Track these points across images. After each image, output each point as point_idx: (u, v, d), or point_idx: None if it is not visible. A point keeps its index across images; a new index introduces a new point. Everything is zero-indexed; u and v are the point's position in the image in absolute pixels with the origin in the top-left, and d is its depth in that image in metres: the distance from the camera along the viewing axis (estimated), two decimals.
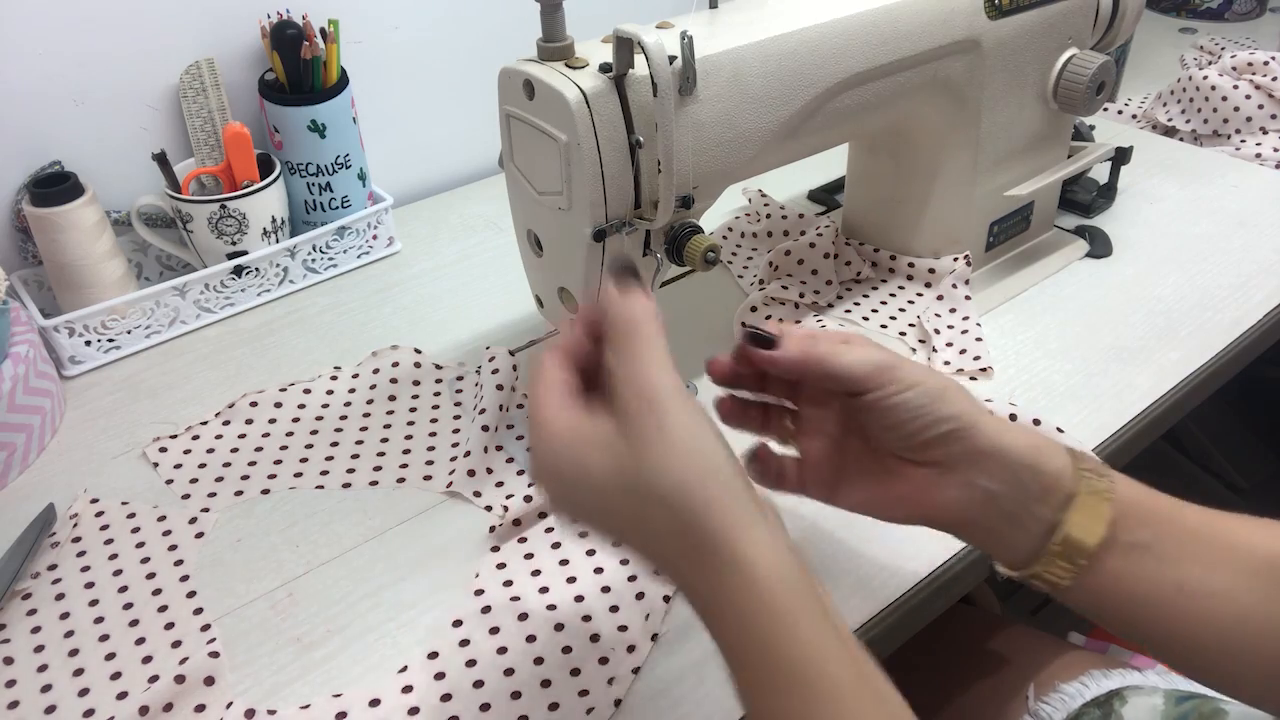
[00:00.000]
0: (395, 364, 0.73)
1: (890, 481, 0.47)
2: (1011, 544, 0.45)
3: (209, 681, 0.50)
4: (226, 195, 0.78)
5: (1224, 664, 0.45)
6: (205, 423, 0.68)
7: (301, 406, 0.70)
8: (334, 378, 0.72)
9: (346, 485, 0.63)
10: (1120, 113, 1.11)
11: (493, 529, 0.58)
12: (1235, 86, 1.00)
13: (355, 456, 0.65)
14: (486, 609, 0.54)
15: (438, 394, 0.71)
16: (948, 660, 0.68)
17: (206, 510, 0.61)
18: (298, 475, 0.64)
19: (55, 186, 0.72)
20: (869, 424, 0.46)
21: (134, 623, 0.54)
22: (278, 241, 0.83)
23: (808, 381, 0.47)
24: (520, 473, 0.63)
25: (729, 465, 0.39)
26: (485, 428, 0.64)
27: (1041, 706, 0.64)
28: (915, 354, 0.72)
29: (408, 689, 0.50)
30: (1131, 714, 0.60)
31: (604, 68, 0.52)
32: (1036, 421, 0.61)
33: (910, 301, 0.77)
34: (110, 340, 0.76)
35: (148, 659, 0.51)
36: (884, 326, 0.75)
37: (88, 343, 0.74)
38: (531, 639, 0.52)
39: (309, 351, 0.77)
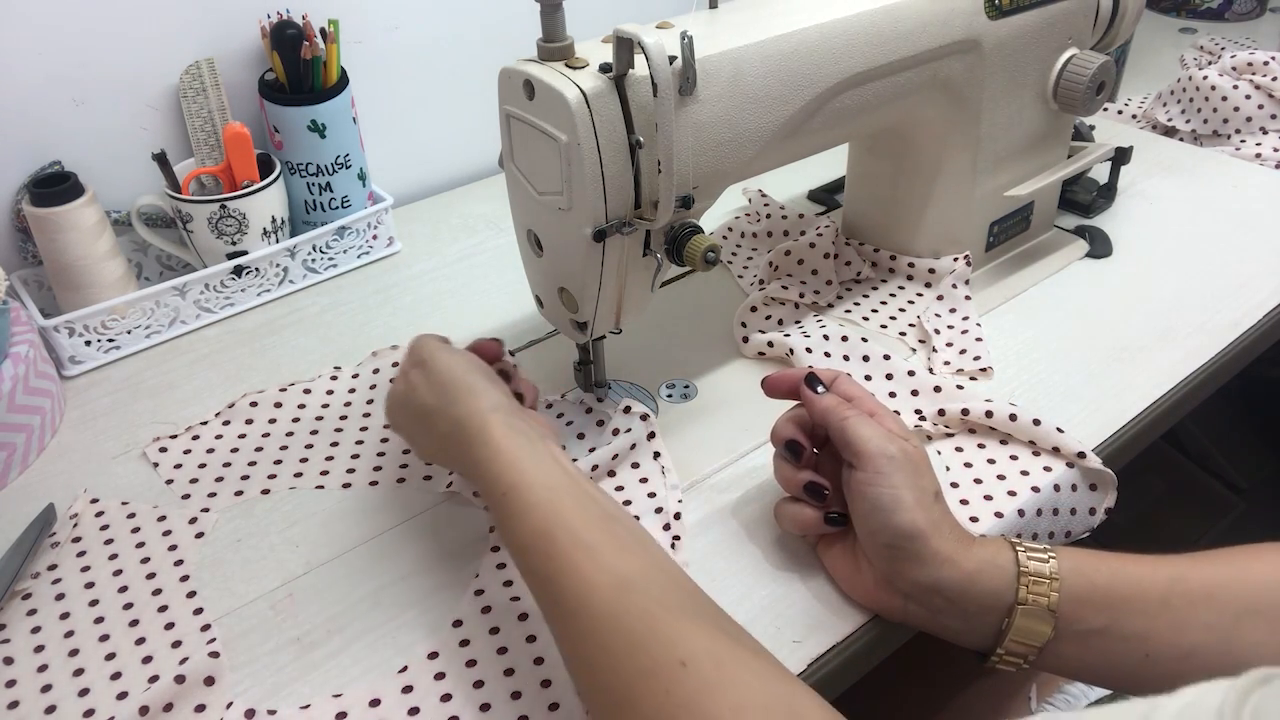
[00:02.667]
0: (395, 364, 0.73)
1: (857, 564, 0.52)
2: (963, 641, 0.50)
3: (209, 681, 0.50)
4: (226, 195, 0.78)
5: None
6: (205, 423, 0.68)
7: (301, 406, 0.70)
8: (334, 378, 0.72)
9: (346, 485, 0.63)
10: (1120, 113, 1.11)
11: (493, 529, 0.58)
12: (1235, 86, 1.00)
13: (355, 456, 0.65)
14: (486, 609, 0.54)
15: None
16: (949, 661, 0.69)
17: (206, 510, 0.61)
18: (298, 475, 0.64)
19: (55, 186, 0.72)
20: (849, 501, 0.51)
21: (134, 623, 0.54)
22: (278, 241, 0.83)
23: (830, 435, 0.53)
24: None
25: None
26: None
27: (1046, 707, 0.64)
28: (915, 354, 0.72)
29: (408, 689, 0.50)
30: None
31: (604, 68, 0.52)
32: (1036, 422, 0.61)
33: (910, 301, 0.77)
34: (110, 340, 0.76)
35: (148, 659, 0.51)
36: (884, 327, 0.75)
37: (88, 343, 0.74)
38: (531, 639, 0.52)
39: (309, 351, 0.77)
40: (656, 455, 0.62)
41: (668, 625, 0.41)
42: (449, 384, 0.53)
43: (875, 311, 0.77)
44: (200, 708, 0.49)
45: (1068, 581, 0.47)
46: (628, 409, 0.64)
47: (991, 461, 0.62)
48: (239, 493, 0.63)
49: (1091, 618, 0.46)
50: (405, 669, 0.51)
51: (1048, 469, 0.61)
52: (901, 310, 0.77)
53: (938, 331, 0.72)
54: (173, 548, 0.58)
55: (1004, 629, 0.47)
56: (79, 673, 0.51)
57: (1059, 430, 0.61)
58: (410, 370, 0.56)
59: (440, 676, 0.50)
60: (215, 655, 0.51)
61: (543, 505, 0.46)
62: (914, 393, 0.67)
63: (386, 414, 0.60)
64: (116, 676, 0.51)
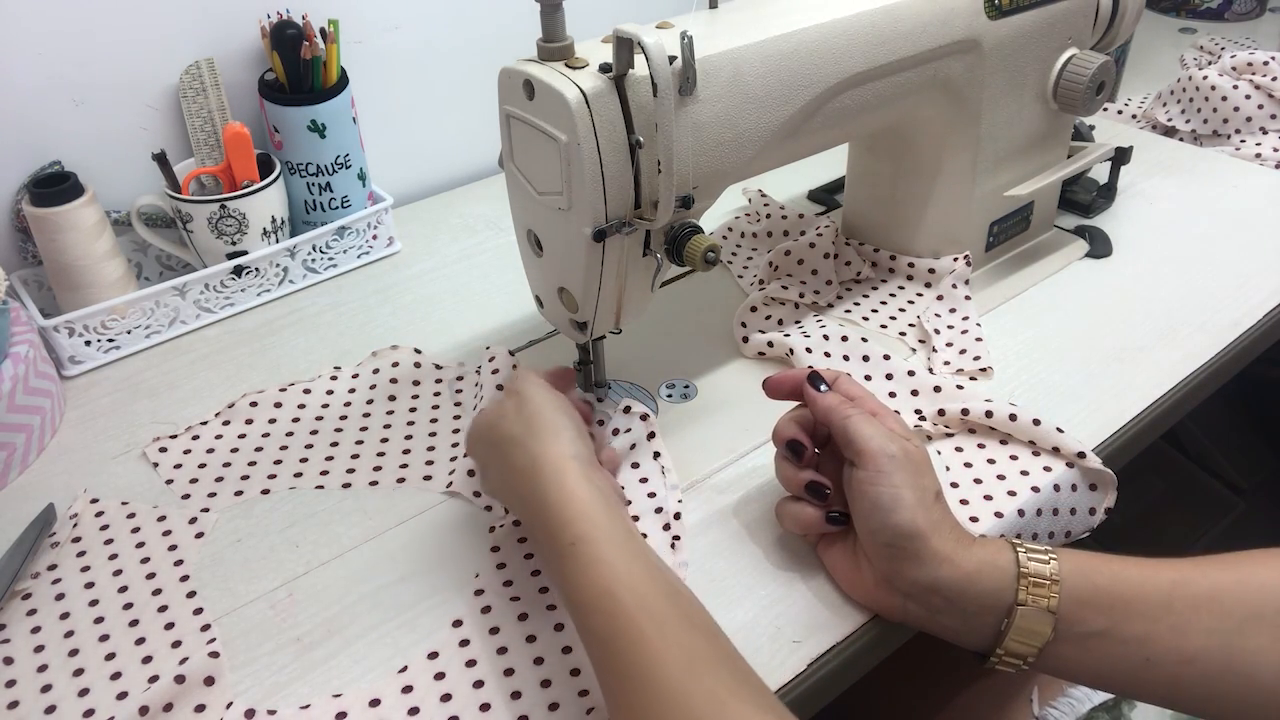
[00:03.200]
0: (395, 364, 0.73)
1: (857, 564, 0.52)
2: (962, 641, 0.50)
3: (209, 681, 0.50)
4: (226, 195, 0.78)
5: (1217, 710, 0.47)
6: (205, 423, 0.68)
7: (301, 406, 0.70)
8: (334, 378, 0.72)
9: (346, 485, 0.63)
10: (1120, 113, 1.11)
11: (493, 529, 0.58)
12: (1235, 86, 1.00)
13: (355, 456, 0.65)
14: (486, 609, 0.54)
15: (438, 394, 0.71)
16: (949, 662, 0.69)
17: (206, 510, 0.61)
18: (298, 475, 0.64)
19: (55, 186, 0.72)
20: (850, 500, 0.51)
21: (134, 623, 0.54)
22: (278, 241, 0.83)
23: (832, 434, 0.53)
24: None
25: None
26: None
27: (1049, 711, 0.64)
28: (915, 354, 0.72)
29: (408, 689, 0.50)
30: (1140, 718, 0.60)
31: (604, 68, 0.52)
32: (1036, 421, 0.61)
33: (910, 301, 0.77)
34: (110, 340, 0.76)
35: (148, 659, 0.51)
36: (884, 326, 0.75)
37: (88, 343, 0.74)
38: (531, 639, 0.52)
39: (309, 351, 0.77)
40: (656, 455, 0.62)
41: (737, 715, 0.40)
42: (538, 420, 0.52)
43: (875, 311, 0.77)
44: (200, 708, 0.49)
45: (1069, 583, 0.47)
46: (628, 409, 0.63)
47: (991, 461, 0.62)
48: (239, 493, 0.63)
49: (1092, 620, 0.46)
50: (405, 669, 0.51)
51: (1048, 469, 0.61)
52: (901, 310, 0.77)
53: (938, 331, 0.72)
54: (173, 548, 0.58)
55: (1003, 629, 0.47)
56: (79, 673, 0.51)
57: (1059, 430, 0.61)
58: (505, 398, 0.56)
59: (440, 676, 0.50)
60: (215, 655, 0.51)
61: (610, 562, 0.45)
62: (914, 393, 0.67)
63: (468, 436, 0.58)
64: (116, 676, 0.51)
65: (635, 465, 0.62)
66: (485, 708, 0.48)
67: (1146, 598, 0.46)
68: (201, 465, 0.65)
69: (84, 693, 0.50)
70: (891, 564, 0.49)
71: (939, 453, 0.63)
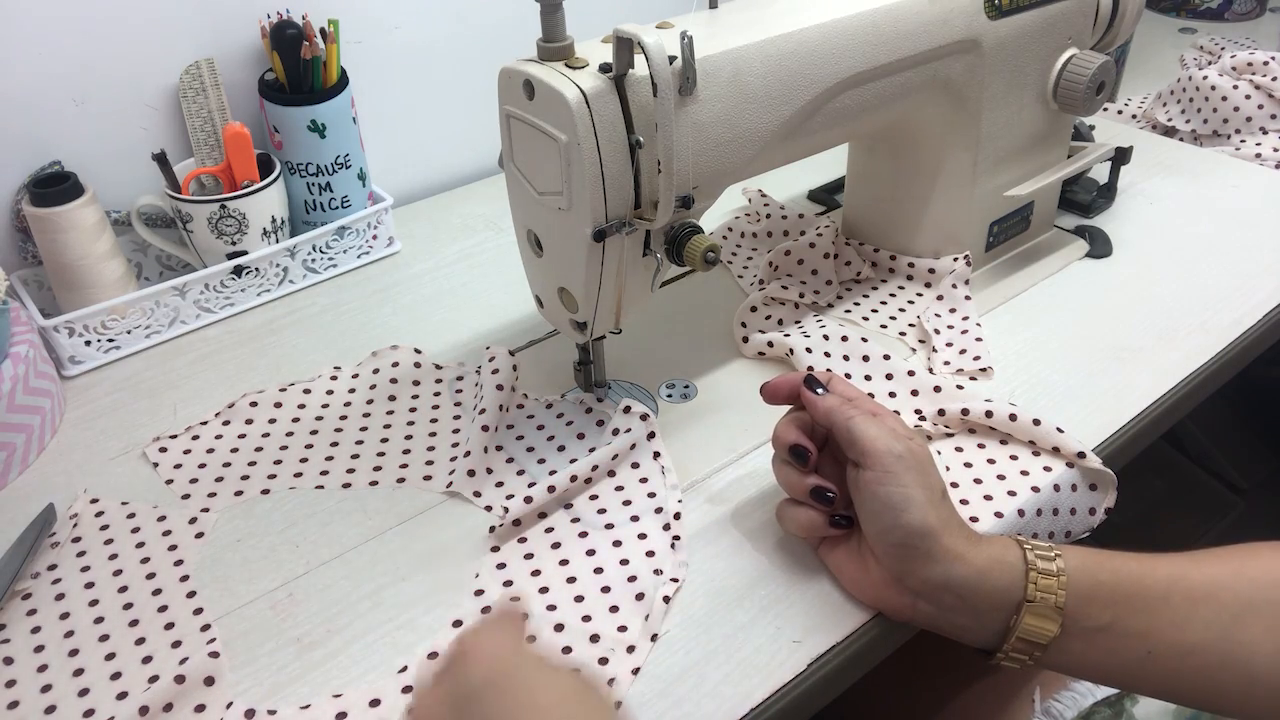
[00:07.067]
0: (395, 364, 0.73)
1: (864, 564, 0.52)
2: (970, 639, 0.50)
3: (209, 681, 0.50)
4: (226, 195, 0.78)
5: (1215, 701, 0.47)
6: (205, 423, 0.68)
7: (301, 406, 0.70)
8: (334, 378, 0.72)
9: (346, 485, 0.63)
10: (1120, 113, 1.11)
11: (493, 529, 0.58)
12: (1235, 86, 1.00)
13: (355, 456, 0.65)
14: (486, 609, 0.54)
15: (438, 394, 0.71)
16: (950, 661, 0.69)
17: (206, 510, 0.61)
18: (298, 475, 0.64)
19: (55, 186, 0.72)
20: (857, 501, 0.51)
21: (134, 623, 0.54)
22: (278, 241, 0.83)
23: (832, 435, 0.53)
24: (520, 473, 0.63)
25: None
26: (485, 428, 0.64)
27: (1052, 704, 0.64)
28: (915, 354, 0.72)
29: (408, 689, 0.50)
30: (1142, 713, 0.60)
31: (604, 68, 0.52)
32: (1036, 421, 0.61)
33: (910, 301, 0.77)
34: (110, 340, 0.76)
35: (148, 659, 0.51)
36: (884, 326, 0.75)
37: (88, 343, 0.74)
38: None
39: (309, 351, 0.77)
40: (656, 455, 0.62)
41: None
42: None
43: (875, 311, 0.77)
44: (200, 708, 0.49)
45: (1073, 579, 0.47)
46: (628, 409, 0.64)
47: (991, 461, 0.62)
48: (239, 493, 0.63)
49: (1096, 615, 0.47)
50: (405, 669, 0.51)
51: (1048, 469, 0.61)
52: (901, 310, 0.77)
53: (938, 331, 0.72)
54: (173, 548, 0.58)
55: (1011, 626, 0.47)
56: (79, 673, 0.51)
57: (1059, 430, 0.61)
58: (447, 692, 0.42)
59: None
60: (215, 655, 0.51)
61: None
62: (914, 393, 0.67)
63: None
64: (116, 676, 0.51)
65: (635, 465, 0.62)
66: None
67: (1146, 592, 0.47)
68: (201, 465, 0.65)
69: (84, 693, 0.50)
70: (903, 563, 0.49)
71: (939, 453, 0.63)
